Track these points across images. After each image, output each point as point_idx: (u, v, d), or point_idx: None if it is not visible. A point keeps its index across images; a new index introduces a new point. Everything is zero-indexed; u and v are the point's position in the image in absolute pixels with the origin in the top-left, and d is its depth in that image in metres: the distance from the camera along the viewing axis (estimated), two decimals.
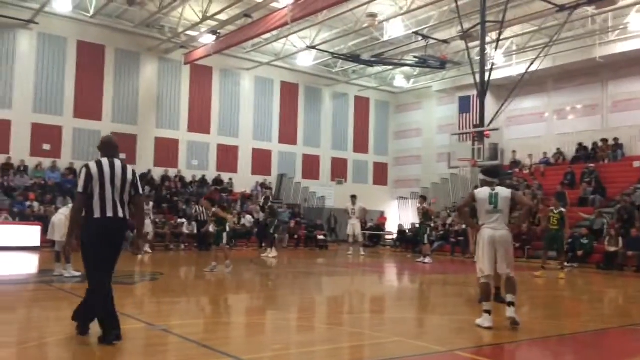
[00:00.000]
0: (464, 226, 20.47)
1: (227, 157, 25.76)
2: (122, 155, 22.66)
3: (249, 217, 22.12)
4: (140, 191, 5.50)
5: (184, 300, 8.93)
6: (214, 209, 12.37)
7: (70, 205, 9.09)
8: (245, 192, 24.70)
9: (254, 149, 26.59)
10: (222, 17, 20.37)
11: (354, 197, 19.41)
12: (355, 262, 17.23)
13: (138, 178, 5.55)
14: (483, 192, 6.79)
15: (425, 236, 17.43)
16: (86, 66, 22.21)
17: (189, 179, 24.01)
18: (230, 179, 25.18)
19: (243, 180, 25.61)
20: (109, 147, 5.56)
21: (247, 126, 26.47)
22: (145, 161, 23.27)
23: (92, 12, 21.09)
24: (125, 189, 5.37)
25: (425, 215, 17.49)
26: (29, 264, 13.88)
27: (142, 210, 5.81)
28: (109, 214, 5.22)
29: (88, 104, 22.19)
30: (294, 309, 8.58)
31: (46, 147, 21.20)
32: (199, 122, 25.05)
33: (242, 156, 26.26)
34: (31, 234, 16.99)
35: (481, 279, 6.71)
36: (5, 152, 20.33)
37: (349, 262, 17.51)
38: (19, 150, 20.63)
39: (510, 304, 6.55)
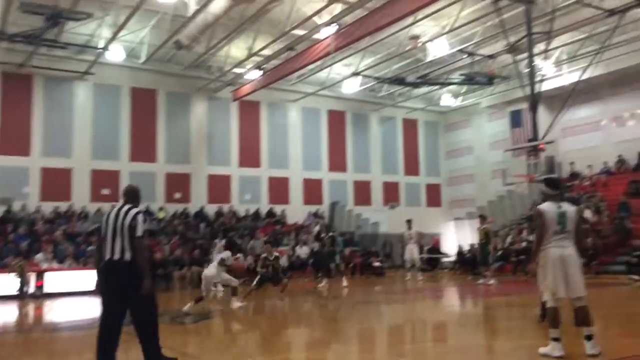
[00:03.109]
0: (523, 244, 19.72)
1: (279, 189, 25.97)
2: (177, 195, 23.37)
3: (305, 248, 22.06)
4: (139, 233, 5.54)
5: (244, 338, 8.89)
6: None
7: None
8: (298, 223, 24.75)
9: (304, 179, 26.70)
10: (267, 52, 20.77)
11: (409, 222, 19.09)
12: (414, 288, 16.84)
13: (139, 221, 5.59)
14: (550, 211, 6.33)
15: (489, 257, 16.96)
16: (140, 111, 23.07)
17: (242, 213, 24.29)
18: (283, 211, 25.32)
19: (295, 211, 25.70)
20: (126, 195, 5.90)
21: (296, 157, 26.69)
22: (199, 198, 23.75)
23: (143, 58, 21.94)
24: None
25: (486, 235, 17.01)
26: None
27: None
28: None
29: (143, 148, 22.95)
30: (355, 341, 8.39)
31: (105, 191, 21.86)
32: (250, 156, 25.44)
33: (293, 187, 26.41)
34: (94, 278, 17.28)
35: (549, 302, 6.29)
36: (66, 200, 21.13)
37: (408, 288, 17.13)
38: (80, 197, 21.39)
39: (589, 337, 5.97)
